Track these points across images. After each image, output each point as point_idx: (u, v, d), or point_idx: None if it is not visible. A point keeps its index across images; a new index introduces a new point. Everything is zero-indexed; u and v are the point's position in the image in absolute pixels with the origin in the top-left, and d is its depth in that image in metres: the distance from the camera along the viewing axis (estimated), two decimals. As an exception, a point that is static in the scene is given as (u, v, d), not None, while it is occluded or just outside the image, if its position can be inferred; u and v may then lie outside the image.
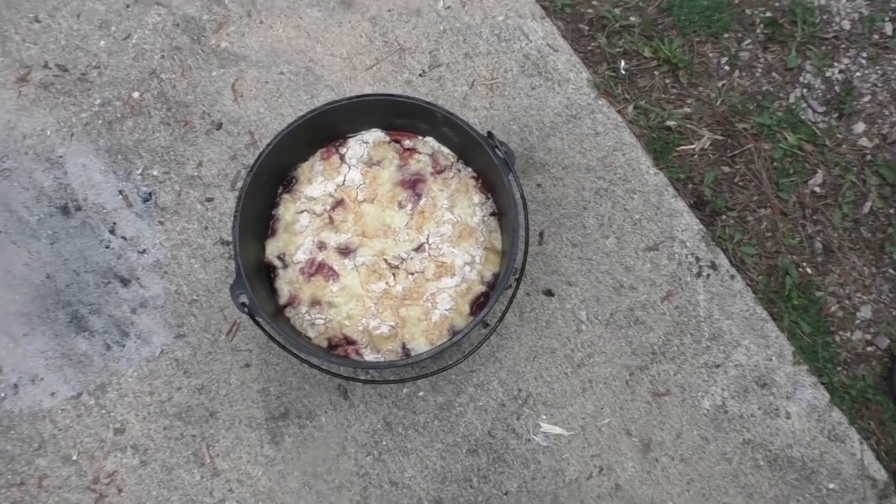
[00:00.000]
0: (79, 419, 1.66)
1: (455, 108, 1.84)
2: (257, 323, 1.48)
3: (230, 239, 1.75)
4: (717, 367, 1.70)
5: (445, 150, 1.69)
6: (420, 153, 1.67)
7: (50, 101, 1.84)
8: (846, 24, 1.93)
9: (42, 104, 1.84)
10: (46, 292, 1.73)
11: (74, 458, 1.64)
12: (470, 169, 1.68)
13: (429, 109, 1.57)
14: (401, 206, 1.63)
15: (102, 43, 1.88)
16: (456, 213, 1.63)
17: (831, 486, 1.64)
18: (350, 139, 1.68)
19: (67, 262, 1.74)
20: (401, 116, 1.65)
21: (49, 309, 1.72)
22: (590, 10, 1.95)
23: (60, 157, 1.80)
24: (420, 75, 1.89)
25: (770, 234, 1.80)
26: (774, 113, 1.87)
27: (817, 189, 1.83)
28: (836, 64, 1.92)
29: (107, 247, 1.76)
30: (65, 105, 1.84)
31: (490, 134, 1.55)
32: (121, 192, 1.79)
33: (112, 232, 1.77)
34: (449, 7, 1.93)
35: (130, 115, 1.84)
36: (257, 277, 1.56)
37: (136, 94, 1.85)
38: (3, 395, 1.67)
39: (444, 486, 1.64)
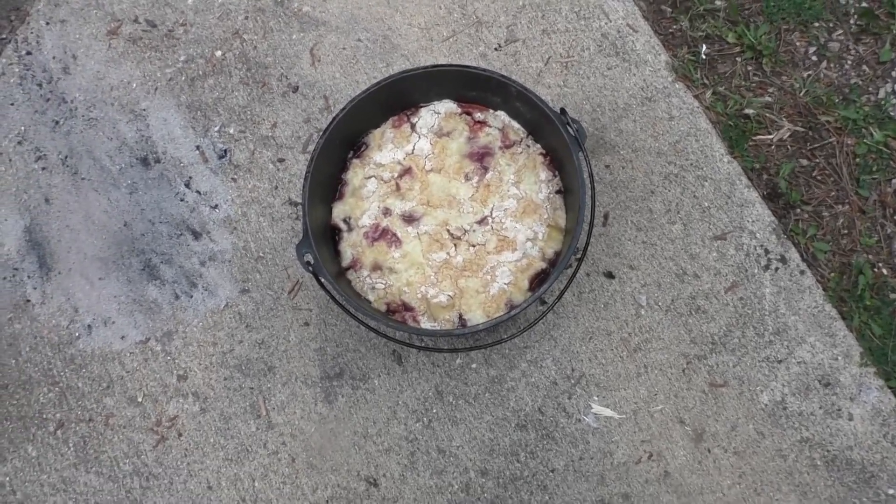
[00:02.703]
0: (145, 363, 1.73)
1: (528, 84, 1.83)
2: (320, 282, 1.51)
3: (299, 200, 1.79)
4: (780, 362, 1.66)
5: (516, 125, 1.68)
6: (490, 126, 1.67)
7: (137, 55, 1.90)
8: (946, 18, 1.84)
9: (130, 57, 1.90)
10: (122, 239, 1.80)
11: (140, 400, 1.72)
12: (539, 145, 1.67)
13: (503, 83, 1.56)
14: (467, 178, 1.64)
15: (190, 1, 1.93)
16: (521, 189, 1.63)
17: (891, 491, 1.58)
18: (422, 108, 1.69)
19: (144, 211, 1.81)
20: (474, 89, 1.65)
21: (124, 256, 1.79)
22: (674, -9, 1.91)
23: (144, 109, 1.87)
24: (496, 49, 1.88)
25: (846, 232, 1.74)
26: (861, 107, 1.80)
27: (900, 188, 1.76)
28: (931, 59, 1.83)
29: (181, 199, 1.82)
30: (151, 60, 1.90)
31: (563, 110, 1.53)
32: (198, 147, 1.84)
33: (187, 186, 1.82)
34: (529, -18, 1.92)
35: (212, 73, 1.89)
36: (322, 239, 1.59)
37: (218, 53, 1.90)
38: (77, 334, 1.75)
39: (491, 458, 1.65)
